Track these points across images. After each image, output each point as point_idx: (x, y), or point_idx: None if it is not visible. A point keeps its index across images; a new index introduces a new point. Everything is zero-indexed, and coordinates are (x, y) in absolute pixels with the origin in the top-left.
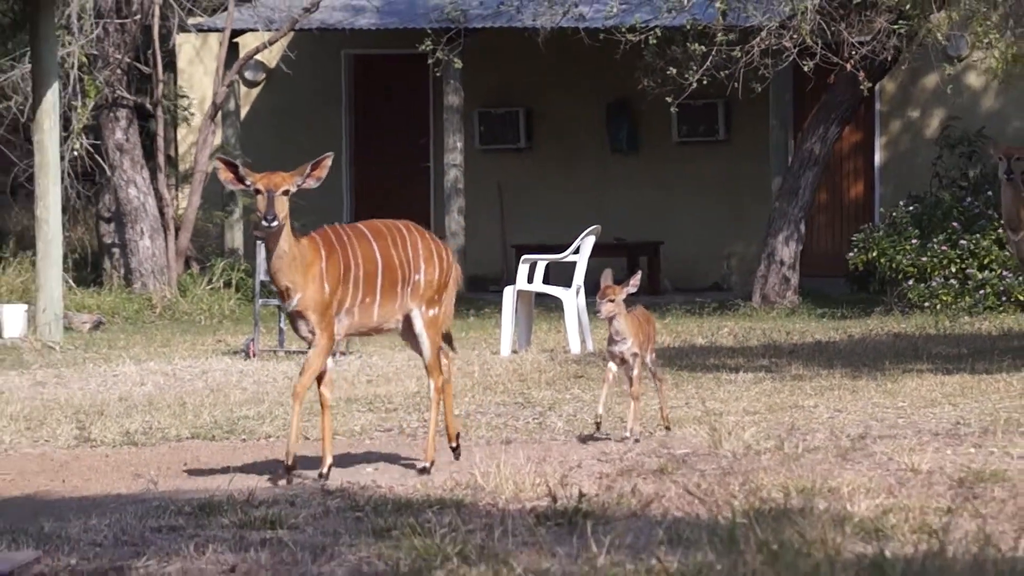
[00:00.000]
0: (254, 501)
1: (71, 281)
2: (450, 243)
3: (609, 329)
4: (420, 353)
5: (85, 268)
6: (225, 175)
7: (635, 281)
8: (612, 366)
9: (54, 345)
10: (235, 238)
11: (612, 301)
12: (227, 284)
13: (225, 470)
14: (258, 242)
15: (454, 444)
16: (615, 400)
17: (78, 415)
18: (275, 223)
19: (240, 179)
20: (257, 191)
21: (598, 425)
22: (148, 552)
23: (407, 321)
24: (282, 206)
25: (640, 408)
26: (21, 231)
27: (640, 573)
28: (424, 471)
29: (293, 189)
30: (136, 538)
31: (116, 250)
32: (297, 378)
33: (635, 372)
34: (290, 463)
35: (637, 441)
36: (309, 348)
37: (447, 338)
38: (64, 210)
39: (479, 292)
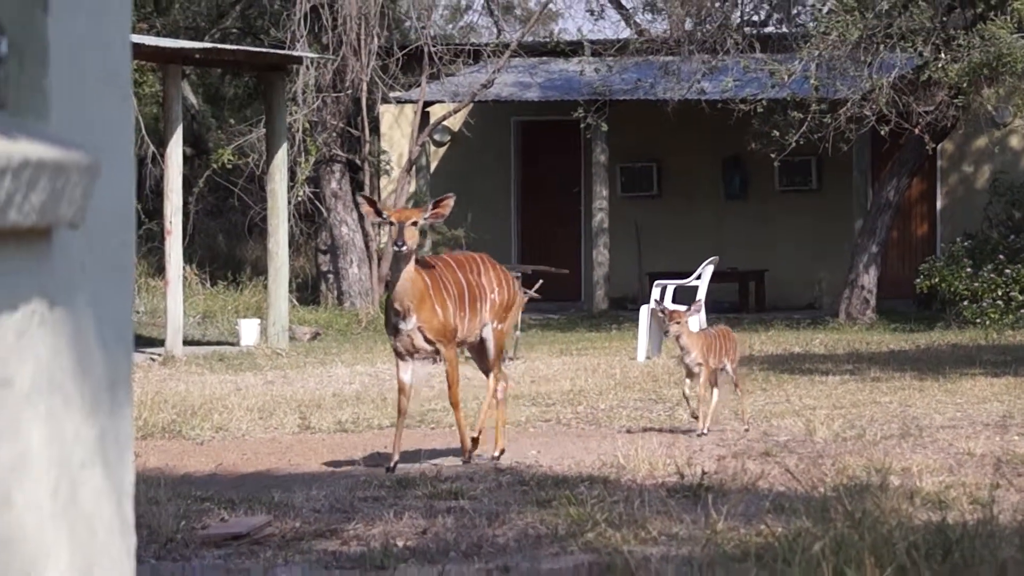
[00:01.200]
0: (441, 477)
1: (295, 301)
2: (596, 272)
3: (678, 344)
4: (487, 358)
5: (306, 290)
6: (366, 209)
7: (696, 307)
8: (686, 376)
9: (281, 352)
10: None
11: (678, 323)
12: None
13: (417, 452)
14: None
15: (475, 434)
16: (731, 400)
17: (300, 408)
18: (404, 247)
19: (378, 212)
20: (391, 223)
21: (693, 416)
22: (357, 517)
23: (482, 334)
24: (411, 235)
25: (716, 407)
26: (255, 260)
27: (751, 536)
28: (495, 459)
29: (420, 221)
30: (347, 506)
31: (331, 276)
32: (448, 391)
33: (700, 379)
34: (468, 447)
35: (747, 431)
36: (435, 361)
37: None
38: (290, 244)
39: (619, 310)
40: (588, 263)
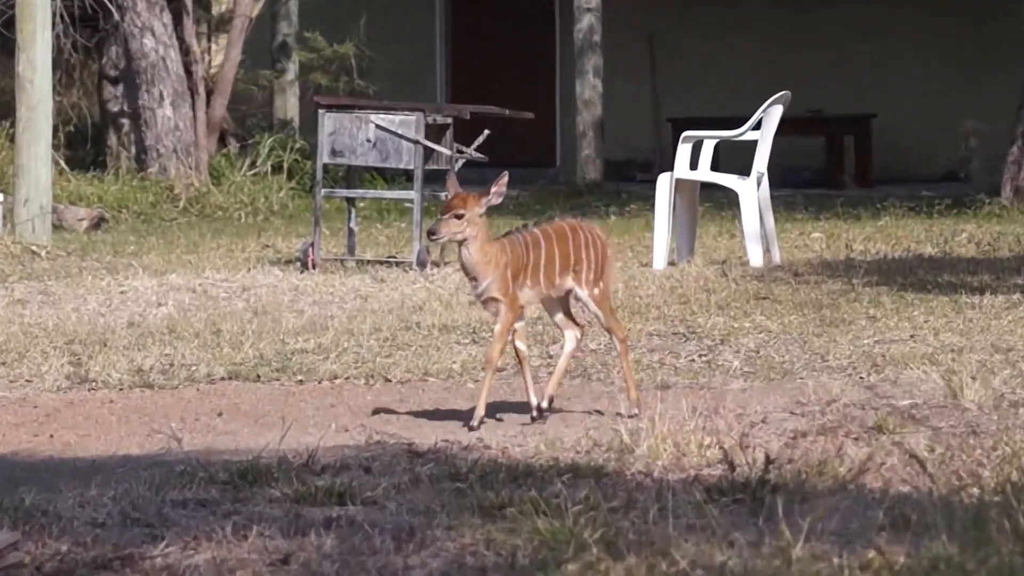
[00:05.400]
0: (315, 466)
1: (63, 163)
2: (582, 118)
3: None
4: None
5: (83, 145)
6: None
7: (499, 187)
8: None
9: (39, 250)
10: (288, 106)
11: (459, 218)
12: (276, 169)
13: (276, 424)
14: (319, 112)
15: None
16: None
17: (72, 346)
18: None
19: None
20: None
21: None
22: (168, 535)
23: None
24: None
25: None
26: None
27: (851, 569)
28: (634, 416)
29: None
30: (152, 516)
31: (125, 121)
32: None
33: (497, 326)
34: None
35: (634, 416)
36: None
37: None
38: (55, 66)
39: (622, 182)
40: (567, 104)
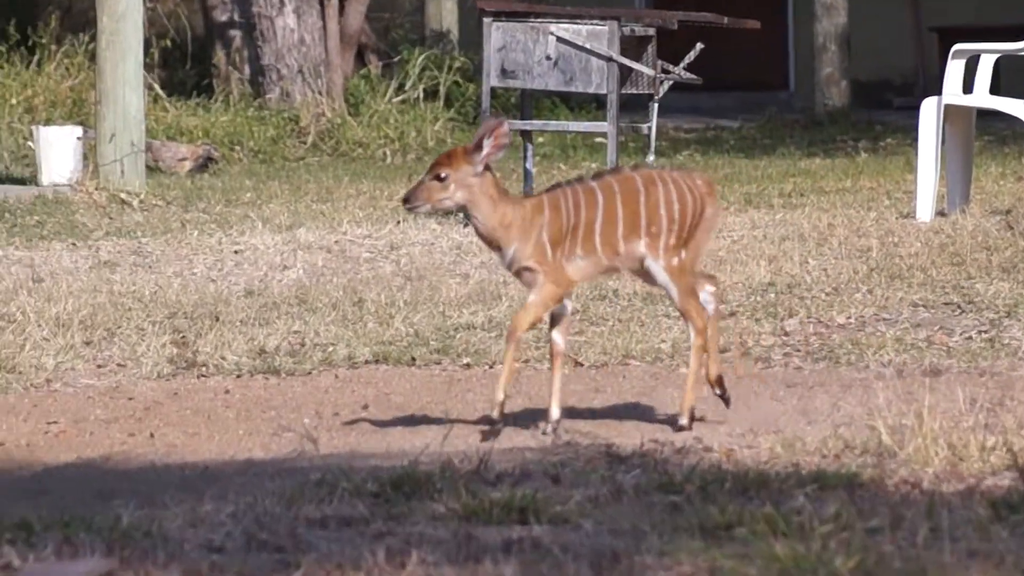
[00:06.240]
0: (489, 473)
1: (157, 87)
2: (822, 24)
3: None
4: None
5: (182, 65)
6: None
7: (495, 137)
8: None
9: (130, 198)
10: (444, 13)
11: (441, 180)
12: (430, 94)
13: (438, 420)
14: (485, 20)
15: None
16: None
17: (175, 321)
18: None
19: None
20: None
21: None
22: (304, 562)
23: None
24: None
25: (513, 359)
26: (69, 0)
27: None
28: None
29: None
30: (282, 537)
31: (235, 33)
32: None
33: (532, 295)
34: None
35: (683, 428)
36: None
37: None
38: None
39: (875, 109)
40: (802, 9)
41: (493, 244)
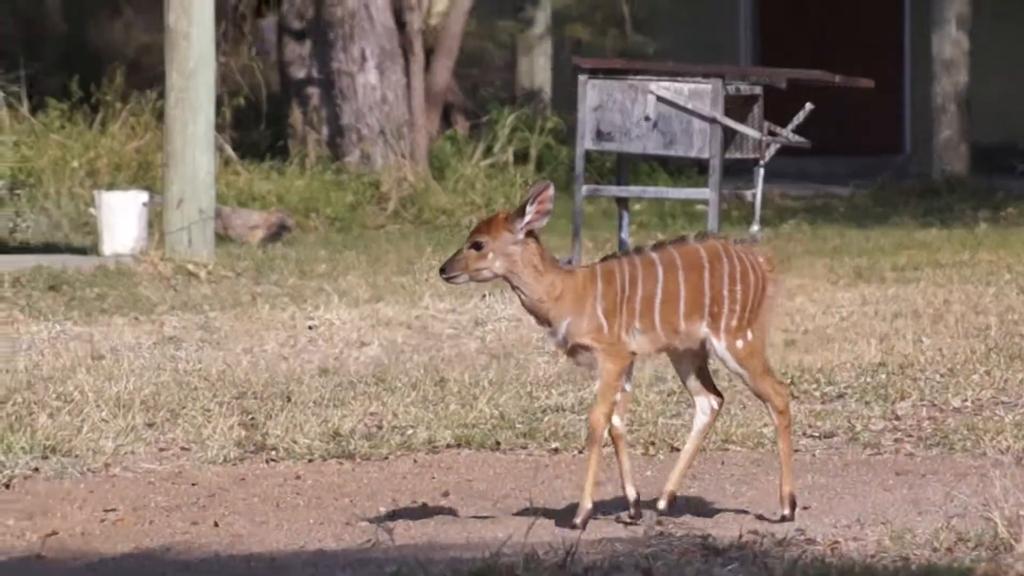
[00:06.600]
0: (576, 566)
1: (229, 149)
2: (942, 84)
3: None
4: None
5: (256, 124)
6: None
7: (539, 202)
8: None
9: (198, 269)
10: (536, 70)
11: (478, 248)
12: (521, 157)
13: (522, 509)
14: (580, 78)
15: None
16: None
17: (243, 401)
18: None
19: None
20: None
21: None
22: None
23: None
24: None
25: (598, 460)
26: (135, 54)
27: None
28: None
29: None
30: None
31: (313, 91)
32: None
33: (597, 382)
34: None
35: (785, 518)
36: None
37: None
38: (218, 16)
39: (996, 175)
40: (920, 68)
41: (541, 318)
